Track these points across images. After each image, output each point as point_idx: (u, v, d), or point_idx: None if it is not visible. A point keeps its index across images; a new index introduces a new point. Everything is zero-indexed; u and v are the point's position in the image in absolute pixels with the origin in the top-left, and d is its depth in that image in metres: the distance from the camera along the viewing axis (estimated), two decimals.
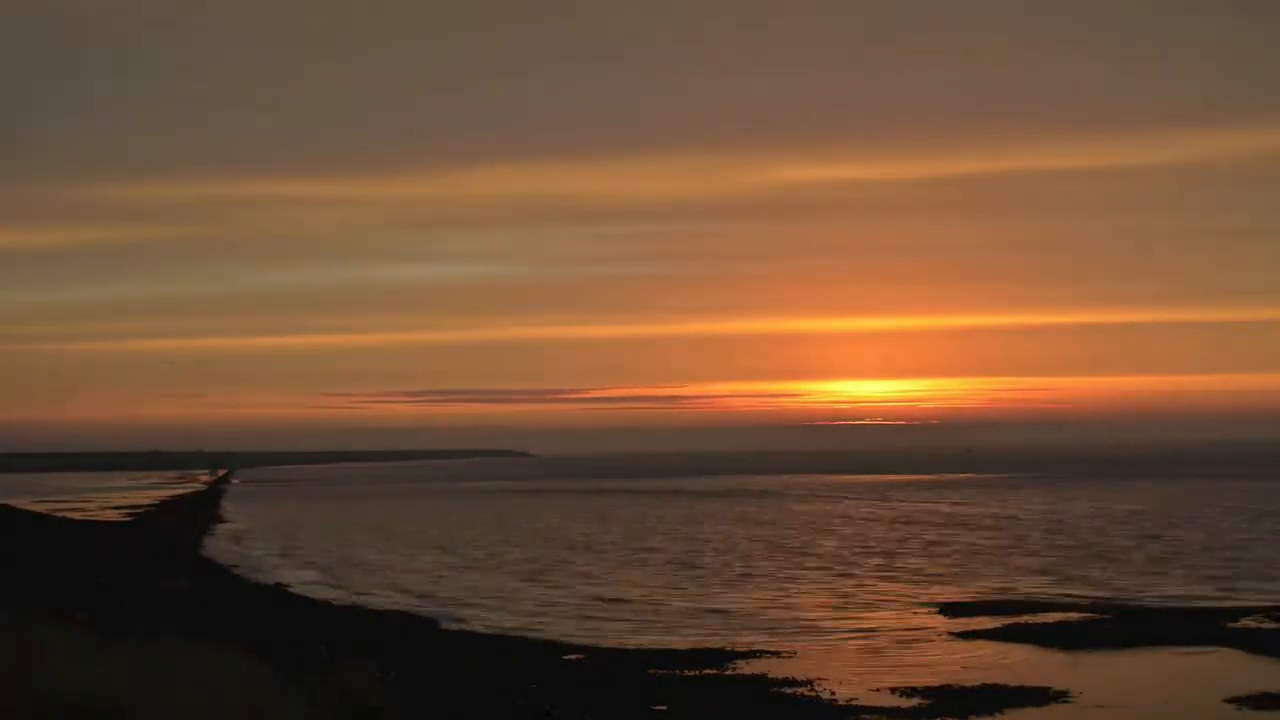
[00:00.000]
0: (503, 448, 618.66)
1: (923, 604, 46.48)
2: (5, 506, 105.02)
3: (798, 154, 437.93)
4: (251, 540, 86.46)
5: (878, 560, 64.24)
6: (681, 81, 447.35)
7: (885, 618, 43.25)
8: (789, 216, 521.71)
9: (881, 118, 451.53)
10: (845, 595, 49.77)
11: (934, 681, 30.89)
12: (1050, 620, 41.01)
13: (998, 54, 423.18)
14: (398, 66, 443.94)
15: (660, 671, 32.41)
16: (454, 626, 42.36)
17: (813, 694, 29.49)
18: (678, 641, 38.21)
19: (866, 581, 54.56)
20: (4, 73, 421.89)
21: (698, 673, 32.22)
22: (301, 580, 58.94)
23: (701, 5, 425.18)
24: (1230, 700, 28.17)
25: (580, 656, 35.25)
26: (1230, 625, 38.95)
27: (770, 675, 32.01)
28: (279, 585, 55.81)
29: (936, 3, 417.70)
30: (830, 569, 60.05)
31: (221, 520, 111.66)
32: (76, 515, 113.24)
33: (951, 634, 38.87)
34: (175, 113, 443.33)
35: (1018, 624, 40.21)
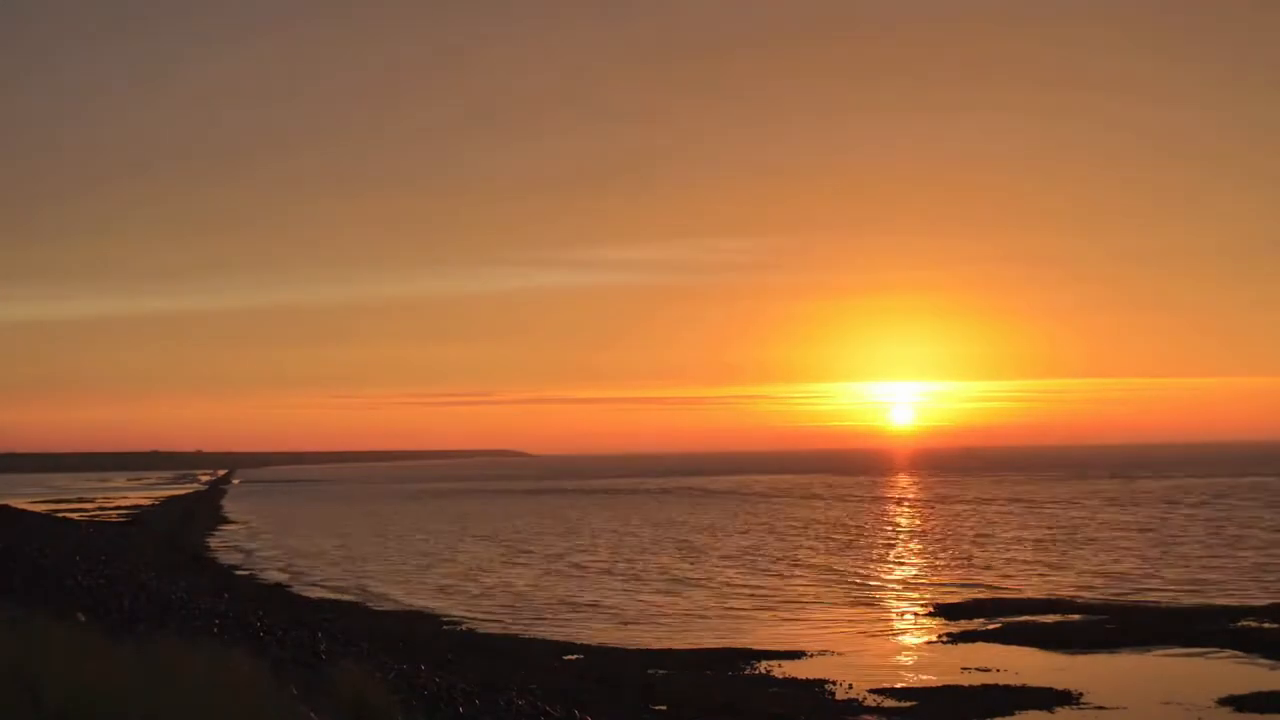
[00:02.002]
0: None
1: (921, 605, 46.50)
2: (5, 506, 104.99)
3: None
4: (252, 540, 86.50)
5: (871, 561, 64.28)
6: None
7: (883, 619, 43.27)
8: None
9: None
10: (841, 596, 49.80)
11: (934, 683, 30.91)
12: (1049, 621, 41.01)
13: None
14: None
15: (660, 671, 32.44)
16: (454, 626, 42.39)
17: (812, 694, 29.51)
18: (678, 641, 38.25)
19: (862, 582, 54.59)
20: None
21: (698, 673, 32.25)
22: (301, 579, 58.97)
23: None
24: (1230, 700, 28.17)
25: (580, 656, 35.29)
26: (1230, 625, 38.93)
27: (770, 675, 32.05)
28: (279, 584, 55.87)
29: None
30: (823, 569, 60.07)
31: (222, 520, 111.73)
32: (76, 515, 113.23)
33: (950, 635, 38.85)
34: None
35: (1017, 624, 40.20)
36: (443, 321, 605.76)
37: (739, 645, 37.17)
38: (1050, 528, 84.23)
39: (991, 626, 39.92)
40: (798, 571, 59.22)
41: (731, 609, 46.30)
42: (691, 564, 63.86)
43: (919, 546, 72.54)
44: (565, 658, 35.09)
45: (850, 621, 42.49)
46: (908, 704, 28.32)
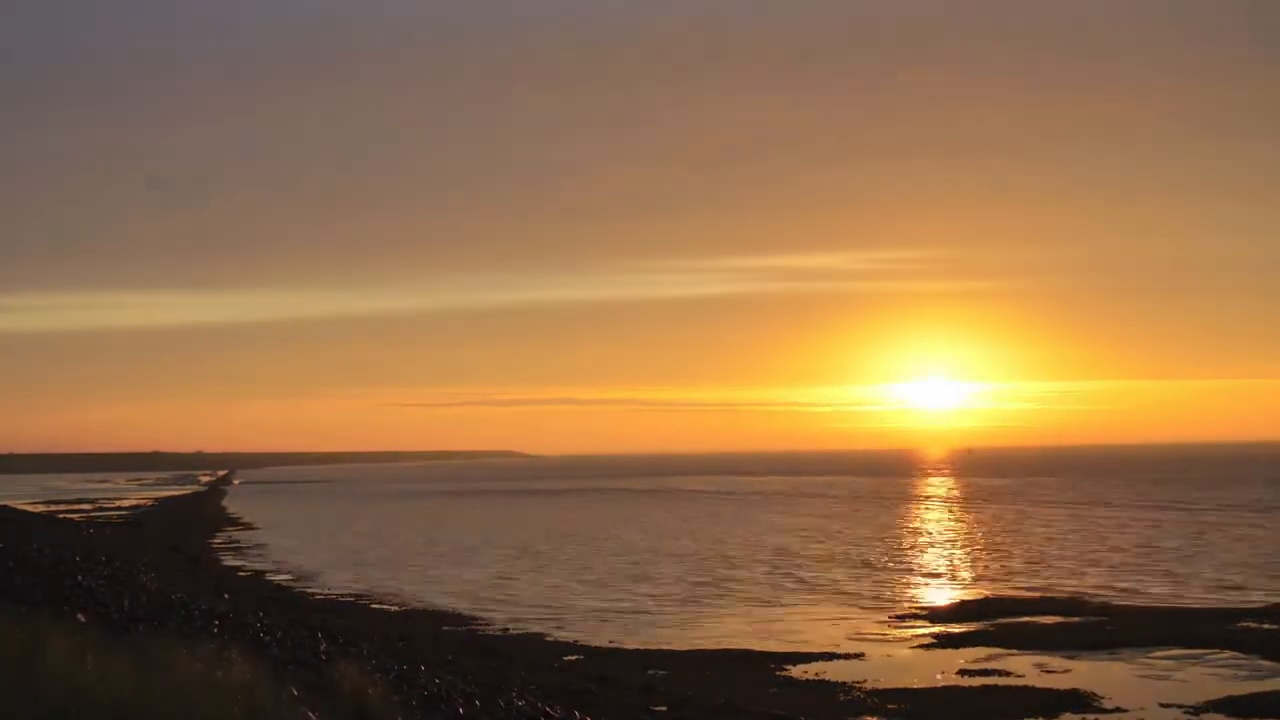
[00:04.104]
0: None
1: (922, 606, 46.51)
2: (5, 506, 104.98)
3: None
4: (252, 540, 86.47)
5: (865, 561, 64.29)
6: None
7: (878, 620, 43.24)
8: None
9: None
10: (835, 596, 49.79)
11: (934, 684, 30.92)
12: (1049, 622, 41.04)
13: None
14: None
15: (660, 671, 32.46)
16: (455, 626, 42.39)
17: (813, 695, 29.52)
18: (678, 641, 38.25)
19: (855, 582, 54.59)
20: None
21: (698, 673, 32.27)
22: (302, 579, 58.96)
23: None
24: (1230, 702, 28.17)
25: (580, 656, 35.30)
26: (1230, 626, 38.94)
27: (770, 677, 32.05)
28: (280, 585, 55.87)
29: None
30: (813, 570, 60.07)
31: (222, 520, 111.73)
32: (76, 515, 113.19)
33: (951, 636, 38.85)
34: None
35: (1017, 625, 40.25)
36: (444, 325, 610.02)
37: (739, 646, 37.18)
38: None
39: (992, 628, 39.93)
40: (801, 571, 59.20)
41: (731, 609, 46.30)
42: (694, 564, 63.89)
43: (929, 548, 72.55)
44: (565, 658, 35.11)
45: (851, 622, 42.47)
46: (908, 705, 28.32)
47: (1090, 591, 49.34)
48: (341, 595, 52.65)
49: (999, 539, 77.45)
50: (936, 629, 40.42)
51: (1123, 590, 49.75)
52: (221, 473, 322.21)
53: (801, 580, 55.76)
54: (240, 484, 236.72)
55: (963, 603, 47.02)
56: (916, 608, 45.81)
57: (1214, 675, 31.61)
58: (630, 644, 37.90)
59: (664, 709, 27.30)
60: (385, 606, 48.55)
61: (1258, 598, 46.49)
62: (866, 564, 62.98)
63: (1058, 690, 29.51)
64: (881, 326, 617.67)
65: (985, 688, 30.20)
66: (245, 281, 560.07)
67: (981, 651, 35.74)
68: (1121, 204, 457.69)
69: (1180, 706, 28.01)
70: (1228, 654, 34.45)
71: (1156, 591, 49.24)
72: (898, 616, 43.69)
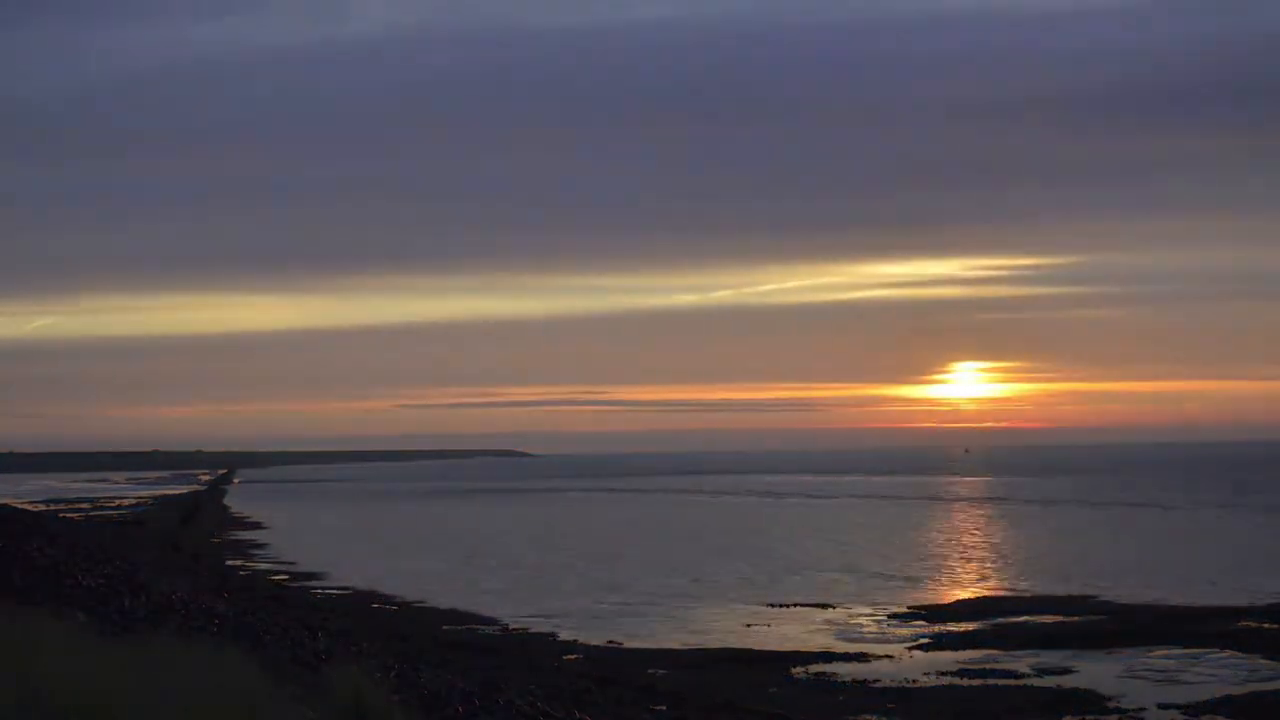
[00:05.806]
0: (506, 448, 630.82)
1: (922, 605, 46.50)
2: (4, 505, 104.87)
3: None
4: (252, 539, 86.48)
5: (865, 560, 64.32)
6: None
7: (877, 620, 43.24)
8: None
9: None
10: (828, 596, 49.80)
11: (934, 683, 30.92)
12: (1048, 621, 41.06)
13: None
14: None
15: (660, 671, 32.46)
16: (455, 626, 42.39)
17: (812, 694, 29.53)
18: (677, 641, 38.25)
19: (855, 581, 54.60)
20: None
21: (698, 673, 32.27)
22: (301, 578, 58.96)
23: None
24: (1229, 701, 28.19)
25: (580, 656, 35.29)
26: (1230, 625, 38.94)
27: (770, 677, 32.05)
28: (279, 584, 55.87)
29: None
30: (807, 569, 60.08)
31: (223, 519, 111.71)
32: (76, 515, 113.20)
33: (951, 635, 38.85)
34: None
35: (1016, 624, 40.25)
36: (446, 327, 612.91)
37: (739, 645, 37.18)
38: None
39: (991, 627, 39.93)
40: (802, 570, 59.20)
41: (731, 609, 46.29)
42: (693, 561, 63.92)
43: (931, 547, 72.57)
44: (565, 658, 35.11)
45: (851, 622, 42.48)
46: (908, 705, 28.32)
47: (1090, 591, 49.32)
48: (342, 594, 52.65)
49: (999, 538, 77.47)
50: (936, 628, 40.40)
51: (1123, 590, 49.74)
52: (222, 471, 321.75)
53: (802, 579, 55.75)
54: (241, 483, 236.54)
55: (962, 602, 47.01)
56: (916, 607, 45.78)
57: (1214, 675, 31.60)
58: (630, 644, 37.90)
59: (664, 709, 27.31)
60: (385, 606, 48.55)
61: (1258, 597, 46.47)
62: (867, 562, 62.95)
63: (1058, 690, 29.53)
64: (901, 329, 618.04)
65: (984, 686, 30.22)
66: (247, 286, 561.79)
67: (981, 651, 35.72)
68: (1182, 220, 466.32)
69: (1180, 706, 28.01)
70: (1228, 654, 34.45)
71: (1157, 591, 49.22)
72: (898, 616, 43.67)
